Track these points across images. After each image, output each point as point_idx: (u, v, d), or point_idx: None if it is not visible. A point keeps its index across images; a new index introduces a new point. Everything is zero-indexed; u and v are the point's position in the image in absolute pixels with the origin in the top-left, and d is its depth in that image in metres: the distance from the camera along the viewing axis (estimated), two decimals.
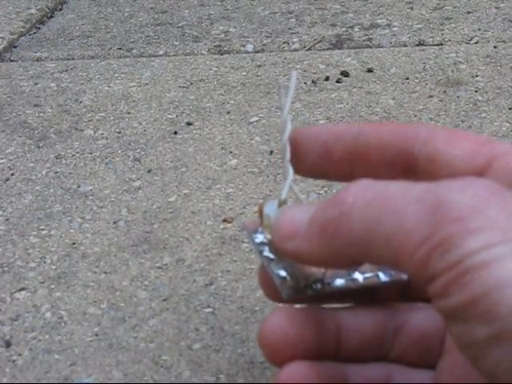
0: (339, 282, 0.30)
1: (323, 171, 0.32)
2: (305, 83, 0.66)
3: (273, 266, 0.30)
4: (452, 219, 0.23)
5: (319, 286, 0.29)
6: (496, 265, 0.22)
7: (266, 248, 0.30)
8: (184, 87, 0.68)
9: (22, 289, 0.43)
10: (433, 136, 0.30)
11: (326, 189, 0.49)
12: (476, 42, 0.73)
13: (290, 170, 0.31)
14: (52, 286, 0.43)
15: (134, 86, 0.69)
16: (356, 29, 0.79)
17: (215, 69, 0.71)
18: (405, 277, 0.30)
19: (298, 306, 0.30)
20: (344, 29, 0.79)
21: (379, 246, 0.24)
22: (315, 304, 0.31)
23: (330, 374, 0.29)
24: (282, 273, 0.29)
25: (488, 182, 0.25)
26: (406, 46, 0.74)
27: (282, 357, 0.28)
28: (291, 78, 0.31)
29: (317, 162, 0.32)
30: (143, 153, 0.57)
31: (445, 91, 0.62)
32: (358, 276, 0.30)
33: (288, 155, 0.31)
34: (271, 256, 0.30)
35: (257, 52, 0.76)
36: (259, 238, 0.31)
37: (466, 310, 0.22)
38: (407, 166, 0.30)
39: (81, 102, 0.66)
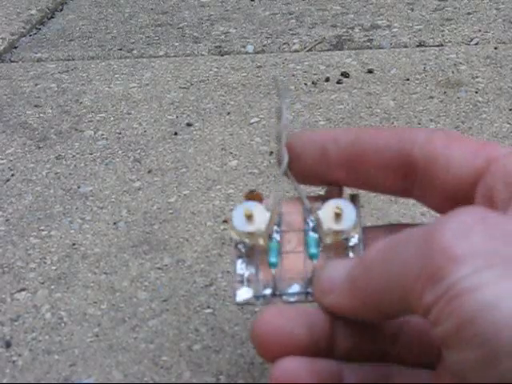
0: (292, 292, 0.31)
1: (319, 175, 0.32)
2: (305, 84, 0.66)
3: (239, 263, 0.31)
4: (439, 249, 0.23)
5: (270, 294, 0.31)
6: (480, 290, 0.22)
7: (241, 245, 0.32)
8: (184, 88, 0.68)
9: (22, 289, 0.43)
10: (431, 138, 0.30)
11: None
12: (476, 43, 0.73)
13: (286, 155, 0.32)
14: (52, 287, 0.43)
15: (134, 86, 0.69)
16: (356, 30, 0.79)
17: (215, 69, 0.71)
18: None
19: (291, 303, 0.31)
20: (344, 30, 0.79)
21: (393, 289, 0.25)
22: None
23: (322, 370, 0.29)
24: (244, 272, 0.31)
25: (476, 208, 0.25)
26: (406, 46, 0.74)
27: (273, 352, 0.29)
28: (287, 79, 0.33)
29: (313, 166, 0.32)
30: (143, 153, 0.57)
31: (445, 92, 0.63)
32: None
33: (284, 140, 0.32)
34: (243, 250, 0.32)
35: (257, 53, 0.76)
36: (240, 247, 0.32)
37: (455, 336, 0.23)
38: (406, 169, 0.30)
39: (81, 102, 0.66)
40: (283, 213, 0.32)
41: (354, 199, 0.32)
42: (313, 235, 0.32)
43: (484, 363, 0.22)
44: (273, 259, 0.31)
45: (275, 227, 0.32)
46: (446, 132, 0.30)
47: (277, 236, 0.32)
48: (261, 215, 0.31)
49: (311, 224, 0.32)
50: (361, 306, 0.27)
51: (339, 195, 0.32)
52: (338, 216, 0.31)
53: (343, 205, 0.31)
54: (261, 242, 0.31)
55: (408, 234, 0.25)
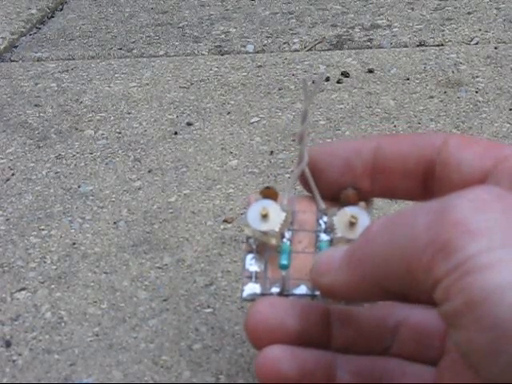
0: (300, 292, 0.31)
1: (344, 187, 0.32)
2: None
3: (248, 259, 0.32)
4: (453, 222, 0.23)
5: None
6: (496, 268, 0.22)
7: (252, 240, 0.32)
8: (184, 87, 0.68)
9: (23, 289, 0.43)
10: (447, 142, 0.30)
11: None
12: (476, 43, 0.73)
13: (306, 155, 0.32)
14: (52, 286, 0.43)
15: (134, 86, 0.69)
16: (356, 29, 0.79)
17: (216, 69, 0.71)
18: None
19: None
20: (344, 29, 0.79)
21: (395, 261, 0.25)
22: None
23: (308, 359, 0.29)
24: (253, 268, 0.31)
25: (492, 187, 0.25)
26: (406, 46, 0.74)
27: (263, 341, 0.29)
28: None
29: (338, 179, 0.32)
30: (143, 153, 0.57)
31: (445, 92, 0.62)
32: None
33: (306, 141, 0.32)
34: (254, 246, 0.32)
35: (257, 52, 0.76)
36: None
37: (465, 314, 0.22)
38: (426, 173, 0.30)
39: (81, 102, 0.66)
40: (296, 211, 0.32)
41: (367, 203, 0.32)
42: (325, 239, 0.32)
43: (493, 346, 0.21)
44: (284, 261, 0.31)
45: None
46: (461, 135, 0.31)
47: (288, 234, 0.32)
48: (276, 215, 0.31)
49: (323, 225, 0.32)
50: (359, 282, 0.27)
51: (355, 199, 0.32)
52: (352, 224, 0.31)
53: (358, 214, 0.31)
54: (273, 241, 0.31)
55: (416, 208, 0.25)
